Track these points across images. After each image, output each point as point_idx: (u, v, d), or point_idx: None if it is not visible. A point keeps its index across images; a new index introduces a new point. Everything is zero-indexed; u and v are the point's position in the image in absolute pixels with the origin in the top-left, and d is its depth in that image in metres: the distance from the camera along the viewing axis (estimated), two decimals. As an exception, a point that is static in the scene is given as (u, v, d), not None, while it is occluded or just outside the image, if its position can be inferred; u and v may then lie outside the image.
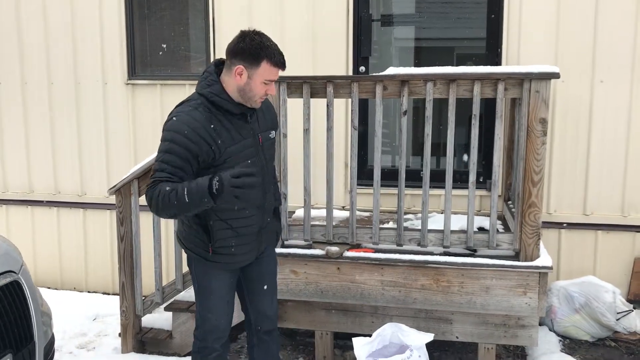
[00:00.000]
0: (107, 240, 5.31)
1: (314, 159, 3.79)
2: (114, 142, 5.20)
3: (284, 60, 2.60)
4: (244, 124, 2.65)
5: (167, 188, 2.43)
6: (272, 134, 2.83)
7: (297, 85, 3.58)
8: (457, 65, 4.00)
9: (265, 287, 2.94)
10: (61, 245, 5.46)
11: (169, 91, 5.02)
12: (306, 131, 3.62)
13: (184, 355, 3.95)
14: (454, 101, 3.40)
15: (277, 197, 2.95)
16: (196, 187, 2.40)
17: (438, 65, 3.67)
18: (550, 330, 4.25)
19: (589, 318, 4.14)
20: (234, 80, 2.57)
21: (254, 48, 2.53)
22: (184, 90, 4.96)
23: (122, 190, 3.87)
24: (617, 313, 4.10)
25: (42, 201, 5.41)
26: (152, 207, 2.51)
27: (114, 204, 3.93)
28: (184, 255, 4.16)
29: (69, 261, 5.47)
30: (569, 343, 4.14)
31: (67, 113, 5.25)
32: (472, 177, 3.45)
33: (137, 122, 5.12)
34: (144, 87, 5.08)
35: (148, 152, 4.62)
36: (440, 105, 4.35)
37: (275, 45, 2.58)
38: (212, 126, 2.53)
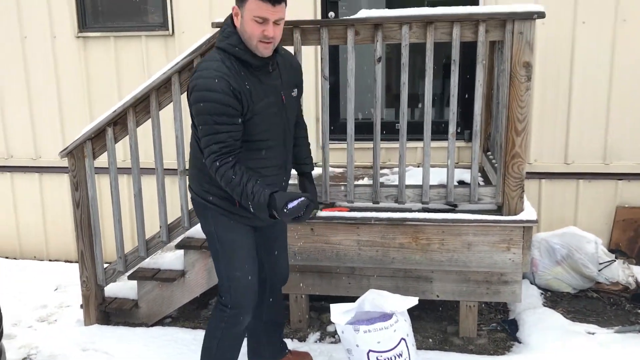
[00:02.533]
0: (66, 206, 5.00)
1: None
2: (68, 100, 4.84)
3: None
4: (268, 79, 2.51)
5: (233, 177, 2.39)
6: (295, 92, 2.69)
7: (261, 33, 3.27)
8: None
9: (281, 245, 2.93)
10: (17, 212, 5.15)
11: (123, 44, 4.66)
12: (272, 83, 3.33)
13: (151, 325, 3.73)
14: (431, 46, 3.14)
15: (308, 160, 2.91)
16: (258, 203, 2.39)
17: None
18: (531, 283, 4.13)
19: (570, 270, 4.03)
20: (238, 27, 2.43)
21: None
22: (140, 42, 4.61)
23: (74, 153, 3.56)
24: (600, 264, 3.99)
25: (-7, 167, 5.06)
26: (223, 185, 2.46)
27: (71, 167, 3.63)
28: (150, 221, 3.95)
29: (27, 229, 5.17)
30: (551, 296, 4.03)
31: (15, 71, 4.85)
32: (452, 128, 3.23)
33: (91, 77, 4.76)
34: (97, 40, 4.70)
35: (105, 109, 4.29)
36: (414, 53, 4.09)
37: None
38: (241, 79, 2.40)
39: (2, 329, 2.73)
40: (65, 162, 3.63)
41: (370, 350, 2.66)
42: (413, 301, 2.78)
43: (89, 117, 4.75)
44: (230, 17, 2.48)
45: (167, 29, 4.53)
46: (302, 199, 2.37)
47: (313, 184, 2.89)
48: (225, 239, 2.63)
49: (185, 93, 3.05)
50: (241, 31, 2.42)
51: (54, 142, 4.90)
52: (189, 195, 2.79)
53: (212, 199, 2.60)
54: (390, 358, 2.66)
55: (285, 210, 2.34)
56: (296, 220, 2.40)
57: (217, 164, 2.40)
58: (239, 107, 2.39)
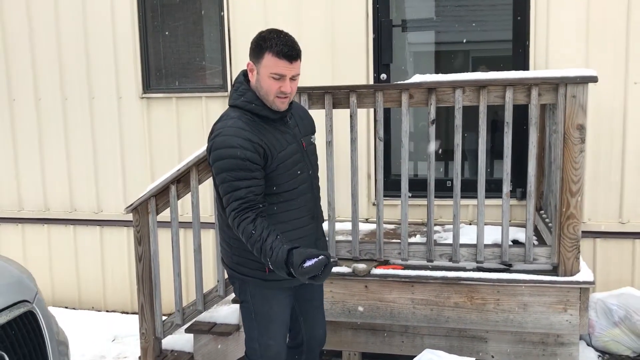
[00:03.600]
0: (125, 258, 5.19)
1: (336, 171, 3.63)
2: (130, 158, 5.08)
3: (291, 52, 2.35)
4: (286, 128, 2.52)
5: (253, 231, 2.32)
6: (313, 138, 2.70)
7: (319, 96, 3.43)
8: (475, 70, 3.83)
9: (318, 306, 2.84)
10: (78, 263, 5.35)
11: (185, 104, 4.90)
12: (329, 144, 3.46)
13: (207, 379, 3.80)
14: (484, 108, 3.23)
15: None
16: (276, 259, 2.29)
17: (459, 72, 3.52)
18: (588, 345, 4.04)
19: (629, 332, 3.93)
20: (252, 82, 2.45)
21: (257, 40, 2.41)
22: (200, 103, 4.84)
23: (139, 209, 3.73)
24: (660, 326, 3.89)
25: (58, 219, 5.30)
26: (244, 241, 2.40)
27: (131, 221, 3.80)
28: (206, 274, 4.07)
29: (87, 280, 5.36)
30: (609, 359, 3.93)
31: (82, 129, 5.14)
32: (506, 189, 3.27)
33: (153, 136, 5.01)
34: (159, 101, 4.96)
35: (165, 167, 4.50)
36: (465, 108, 4.19)
37: (285, 36, 2.39)
38: (259, 132, 2.41)
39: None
40: (124, 216, 3.79)
41: (427, 411, 2.66)
42: (470, 362, 2.78)
43: (149, 173, 4.97)
44: (243, 74, 2.51)
45: (227, 90, 4.75)
46: (321, 257, 2.26)
47: (324, 236, 2.81)
48: (260, 310, 2.59)
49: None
50: (256, 87, 2.43)
51: (115, 196, 5.12)
52: None
53: (243, 270, 2.58)
54: (448, 420, 2.66)
55: (301, 268, 2.24)
56: (313, 280, 2.28)
57: (238, 220, 2.34)
58: (259, 160, 2.37)
